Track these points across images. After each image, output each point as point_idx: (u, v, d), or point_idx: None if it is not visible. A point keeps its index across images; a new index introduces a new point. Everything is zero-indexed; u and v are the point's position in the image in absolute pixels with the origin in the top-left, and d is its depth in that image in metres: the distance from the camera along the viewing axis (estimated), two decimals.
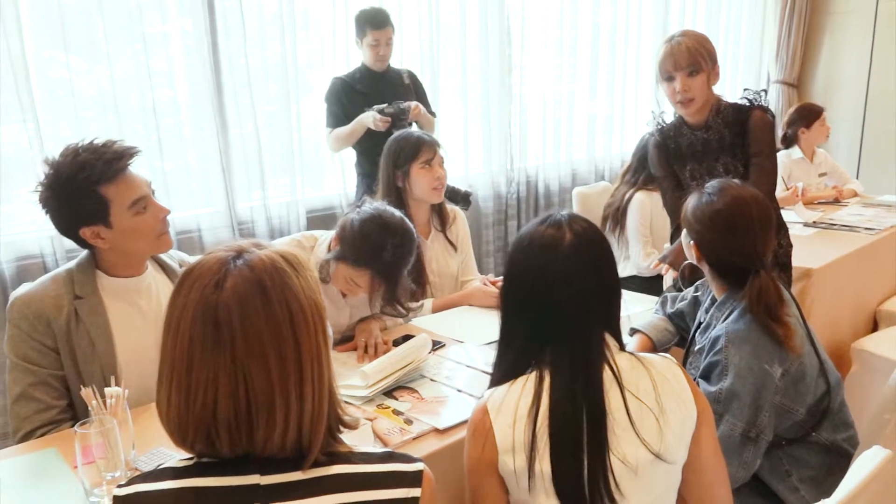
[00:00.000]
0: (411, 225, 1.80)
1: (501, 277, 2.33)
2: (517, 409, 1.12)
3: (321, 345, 0.89)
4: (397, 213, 1.81)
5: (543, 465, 1.10)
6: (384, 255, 1.71)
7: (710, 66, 2.09)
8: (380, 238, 1.71)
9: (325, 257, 1.80)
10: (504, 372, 1.20)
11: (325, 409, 0.89)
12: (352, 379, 1.62)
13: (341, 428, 0.94)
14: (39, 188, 1.53)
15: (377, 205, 1.81)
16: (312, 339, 0.87)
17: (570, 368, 1.13)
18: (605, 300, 1.19)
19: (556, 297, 1.15)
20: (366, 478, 0.89)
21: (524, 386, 1.15)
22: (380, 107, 2.96)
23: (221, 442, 0.85)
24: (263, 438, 0.85)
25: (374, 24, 3.01)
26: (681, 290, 1.96)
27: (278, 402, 0.84)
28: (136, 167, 1.58)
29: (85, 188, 1.49)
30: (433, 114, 3.27)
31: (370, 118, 2.94)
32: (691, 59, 2.06)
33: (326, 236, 1.94)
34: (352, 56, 3.24)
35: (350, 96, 3.07)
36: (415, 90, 3.25)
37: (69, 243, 2.50)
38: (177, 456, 1.32)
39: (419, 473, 0.91)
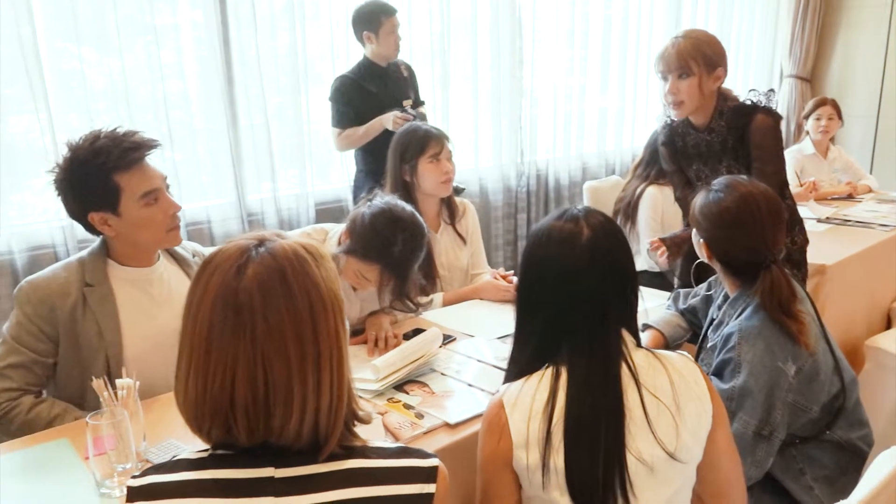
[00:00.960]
0: (422, 220, 1.79)
1: (512, 272, 2.34)
2: (532, 404, 1.12)
3: (340, 336, 0.89)
4: (408, 207, 1.80)
5: (557, 460, 1.09)
6: (394, 249, 1.70)
7: (705, 70, 2.02)
8: (390, 232, 1.71)
9: (336, 251, 1.80)
10: (520, 367, 1.19)
11: (345, 401, 0.89)
12: (362, 372, 1.61)
13: (355, 422, 0.93)
14: (56, 169, 1.55)
15: (388, 199, 1.81)
16: (332, 328, 0.87)
17: (587, 364, 1.12)
18: (622, 295, 1.18)
19: (573, 293, 1.14)
20: (380, 473, 0.88)
21: (540, 381, 1.14)
22: (403, 108, 2.96)
23: (239, 429, 0.84)
24: (280, 426, 0.84)
25: (388, 11, 3.02)
26: (692, 286, 1.95)
27: (296, 390, 0.84)
28: (151, 160, 1.60)
29: (99, 174, 1.51)
30: (422, 102, 3.27)
31: (390, 119, 2.92)
32: (680, 62, 2.02)
33: (337, 230, 1.94)
34: (361, 48, 3.24)
35: (360, 94, 3.04)
36: (411, 82, 3.25)
37: (81, 233, 2.52)
38: (188, 448, 1.32)
39: (434, 469, 0.90)
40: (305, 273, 0.86)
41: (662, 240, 2.20)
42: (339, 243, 1.83)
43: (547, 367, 1.15)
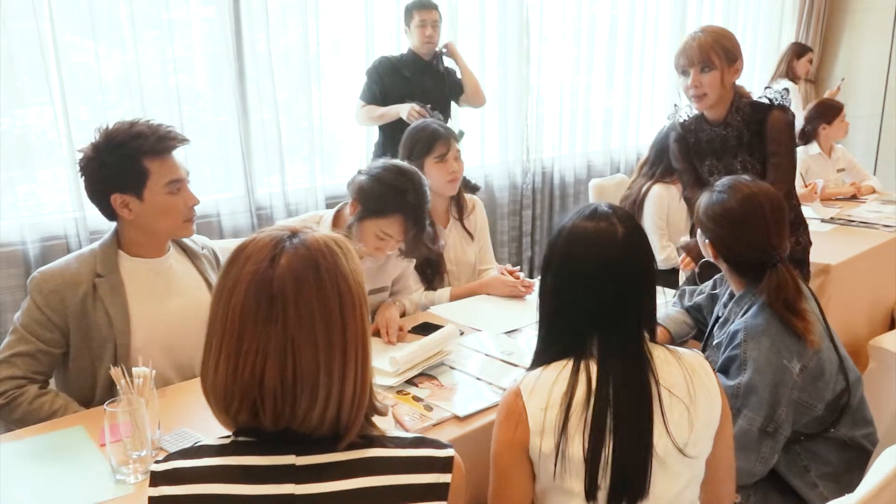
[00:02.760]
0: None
1: (519, 268, 2.35)
2: (551, 393, 1.13)
3: (366, 329, 0.91)
4: (403, 161, 1.91)
5: (574, 449, 1.11)
6: (408, 197, 1.79)
7: (726, 63, 2.06)
8: (401, 183, 1.80)
9: (349, 222, 1.84)
10: (544, 360, 1.20)
11: (368, 392, 0.91)
12: (378, 362, 1.61)
13: (373, 413, 0.95)
14: (84, 151, 1.58)
15: (382, 160, 1.90)
16: (358, 321, 0.89)
17: (612, 357, 1.14)
18: (646, 290, 1.20)
19: (607, 288, 1.15)
20: (398, 462, 0.90)
21: (560, 372, 1.15)
22: (425, 105, 3.00)
23: (266, 413, 0.86)
24: (304, 413, 0.86)
25: (420, 5, 3.16)
26: (696, 284, 1.97)
27: (322, 379, 0.86)
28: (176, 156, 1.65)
29: (132, 155, 1.56)
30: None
31: (405, 110, 2.98)
32: (702, 55, 2.05)
33: (328, 213, 1.99)
34: (371, 43, 3.27)
35: (393, 77, 3.16)
36: (448, 79, 3.33)
37: (93, 224, 2.53)
38: (201, 437, 1.34)
39: (450, 459, 0.92)
40: (336, 265, 0.88)
41: (682, 248, 2.21)
42: (334, 225, 1.90)
43: (569, 359, 1.17)
